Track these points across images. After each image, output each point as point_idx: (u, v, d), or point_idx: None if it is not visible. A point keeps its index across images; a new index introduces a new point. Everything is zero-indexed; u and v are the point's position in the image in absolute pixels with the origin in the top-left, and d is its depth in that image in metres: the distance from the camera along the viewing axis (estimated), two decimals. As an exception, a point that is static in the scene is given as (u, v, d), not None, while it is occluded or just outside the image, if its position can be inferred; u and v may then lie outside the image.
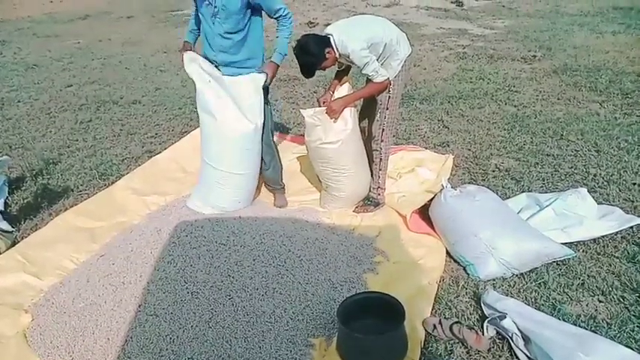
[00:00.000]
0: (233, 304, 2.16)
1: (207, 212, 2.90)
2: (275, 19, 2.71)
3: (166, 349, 1.98)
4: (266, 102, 2.90)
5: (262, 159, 3.04)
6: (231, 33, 2.65)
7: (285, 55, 2.79)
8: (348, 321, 1.98)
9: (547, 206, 2.75)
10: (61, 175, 3.77)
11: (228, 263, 2.36)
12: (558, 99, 4.86)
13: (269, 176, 3.16)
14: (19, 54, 8.10)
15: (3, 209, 3.21)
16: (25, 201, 3.39)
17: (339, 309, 2.03)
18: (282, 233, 2.67)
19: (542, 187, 3.21)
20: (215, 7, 2.56)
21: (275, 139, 3.83)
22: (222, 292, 2.21)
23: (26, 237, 2.95)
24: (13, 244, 2.87)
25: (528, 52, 6.66)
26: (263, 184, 3.29)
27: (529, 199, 2.95)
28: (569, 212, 2.68)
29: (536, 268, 2.42)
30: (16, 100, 5.68)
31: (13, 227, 3.04)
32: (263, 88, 2.81)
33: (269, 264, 2.41)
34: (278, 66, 2.80)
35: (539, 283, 2.33)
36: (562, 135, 3.97)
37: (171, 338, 2.01)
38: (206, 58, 2.81)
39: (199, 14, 2.75)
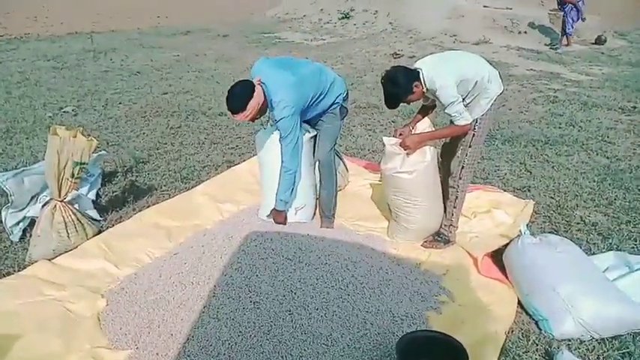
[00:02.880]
0: (292, 321, 2.17)
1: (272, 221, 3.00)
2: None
3: (224, 354, 2.02)
4: (332, 124, 2.98)
5: (320, 179, 3.11)
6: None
7: (283, 200, 2.87)
8: (406, 358, 1.91)
9: (638, 269, 2.51)
10: (148, 174, 4.05)
11: (292, 279, 2.38)
12: (659, 155, 4.47)
13: (323, 197, 3.15)
14: (125, 61, 8.91)
15: (94, 199, 3.50)
16: (114, 194, 3.67)
17: (399, 344, 1.97)
18: (347, 257, 2.66)
19: (633, 247, 2.94)
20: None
21: (347, 163, 3.86)
22: (283, 307, 2.23)
23: (111, 227, 3.19)
24: (99, 232, 3.11)
25: (628, 103, 6.22)
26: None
27: (617, 259, 2.70)
28: (664, 279, 2.43)
29: (620, 335, 2.20)
30: (117, 102, 6.23)
31: (100, 217, 3.30)
32: (339, 112, 3.00)
33: (331, 286, 2.40)
34: (281, 213, 2.93)
35: (623, 353, 2.12)
36: (661, 194, 3.64)
37: (229, 344, 2.05)
38: None
39: None
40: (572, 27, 10.39)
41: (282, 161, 2.80)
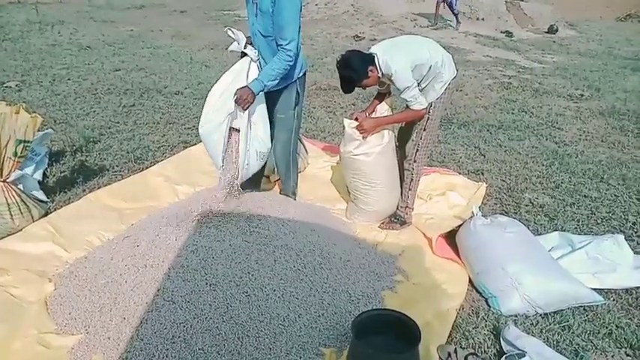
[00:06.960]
0: (249, 302, 2.16)
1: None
2: (277, 45, 2.58)
3: (179, 337, 1.99)
4: (285, 114, 2.87)
5: (278, 166, 3.10)
6: (263, 35, 2.64)
7: (266, 85, 2.58)
8: (362, 336, 1.95)
9: (580, 248, 2.65)
10: (99, 154, 3.88)
11: (249, 260, 2.36)
12: (602, 141, 4.72)
13: (283, 186, 3.18)
14: (75, 35, 8.45)
15: (41, 179, 3.33)
16: (62, 174, 3.50)
17: (354, 322, 2.00)
18: (305, 238, 2.66)
19: (576, 228, 3.10)
20: (256, 4, 2.58)
21: (307, 145, 3.84)
22: (239, 288, 2.21)
23: (59, 209, 3.04)
24: (46, 214, 2.97)
25: (575, 90, 6.51)
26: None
27: (561, 239, 2.85)
28: (602, 257, 2.58)
29: (562, 310, 2.33)
30: (66, 78, 5.92)
31: (47, 198, 3.14)
32: (294, 97, 2.83)
33: (289, 267, 2.40)
34: (253, 93, 2.55)
35: (564, 326, 2.24)
36: (602, 178, 3.85)
37: (185, 326, 2.02)
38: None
39: (247, 10, 2.78)
40: (455, 6, 11.16)
41: (283, 39, 2.51)
